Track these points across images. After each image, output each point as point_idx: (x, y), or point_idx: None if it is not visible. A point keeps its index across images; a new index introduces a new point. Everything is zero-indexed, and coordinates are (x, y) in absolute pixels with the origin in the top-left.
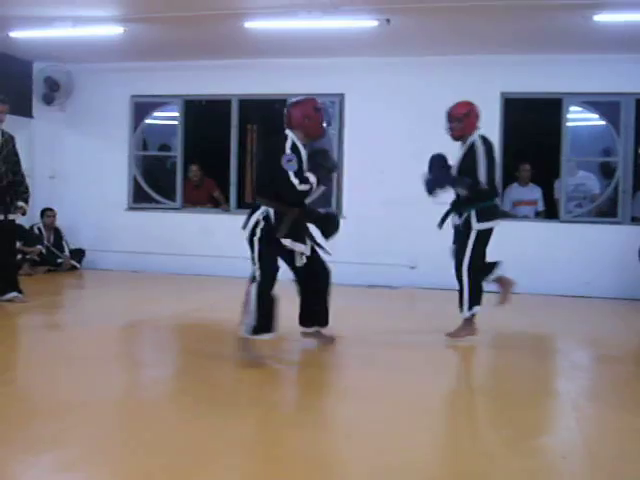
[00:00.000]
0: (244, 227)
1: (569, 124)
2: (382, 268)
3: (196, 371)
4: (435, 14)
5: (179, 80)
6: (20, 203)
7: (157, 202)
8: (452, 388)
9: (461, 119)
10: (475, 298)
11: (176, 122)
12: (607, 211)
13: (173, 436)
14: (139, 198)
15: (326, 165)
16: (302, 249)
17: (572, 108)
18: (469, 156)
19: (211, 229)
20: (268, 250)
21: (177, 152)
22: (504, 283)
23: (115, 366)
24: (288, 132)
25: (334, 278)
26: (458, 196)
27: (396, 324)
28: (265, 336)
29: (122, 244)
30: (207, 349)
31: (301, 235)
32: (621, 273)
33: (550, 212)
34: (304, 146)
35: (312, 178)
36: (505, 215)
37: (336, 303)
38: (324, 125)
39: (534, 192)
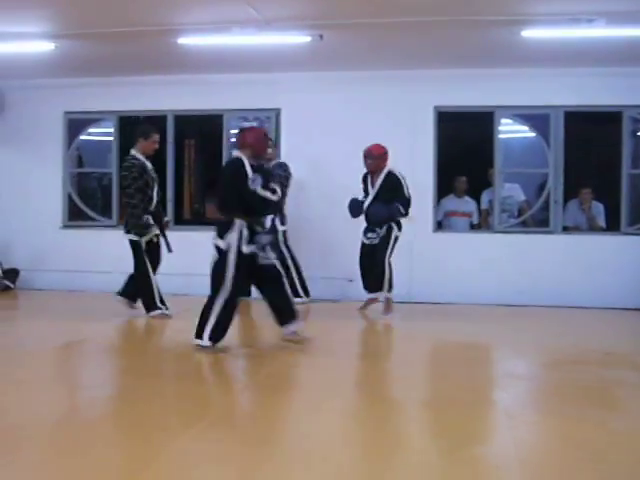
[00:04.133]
0: (221, 237)
1: (501, 136)
2: (321, 282)
3: (135, 391)
4: (367, 30)
5: (113, 96)
6: (167, 219)
7: (93, 219)
8: (388, 398)
9: (378, 157)
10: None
11: (111, 138)
12: (540, 221)
13: (112, 459)
14: (74, 216)
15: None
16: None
17: (504, 121)
18: (390, 182)
19: None
20: (240, 264)
21: (112, 168)
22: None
23: (52, 388)
24: (237, 153)
25: None
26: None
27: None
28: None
29: (58, 263)
30: (147, 368)
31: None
32: (554, 282)
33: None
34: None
35: (277, 188)
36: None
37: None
38: (268, 148)
39: (469, 205)
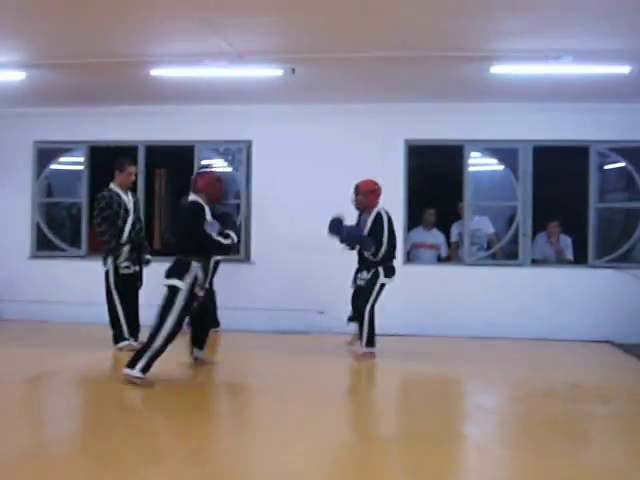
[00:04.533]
0: (176, 276)
1: (471, 169)
2: (291, 314)
3: (104, 425)
4: (339, 64)
5: (84, 126)
6: (147, 257)
7: (61, 250)
8: (357, 433)
9: (367, 194)
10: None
11: (81, 168)
12: (508, 253)
13: None
14: (43, 246)
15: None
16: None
17: (473, 154)
18: (376, 224)
19: None
20: (191, 302)
21: (82, 198)
22: None
23: (19, 422)
24: (194, 196)
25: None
26: (362, 256)
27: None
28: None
29: (26, 293)
30: (115, 401)
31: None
32: (522, 313)
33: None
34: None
35: (232, 234)
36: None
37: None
38: (224, 192)
39: (437, 237)
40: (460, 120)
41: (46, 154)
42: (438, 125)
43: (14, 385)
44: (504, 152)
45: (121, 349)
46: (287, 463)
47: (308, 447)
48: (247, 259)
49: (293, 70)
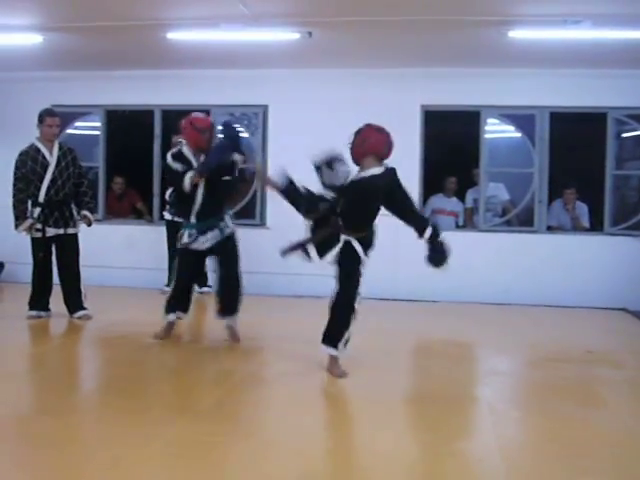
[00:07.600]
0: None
1: (487, 136)
2: (308, 278)
3: (123, 380)
4: (356, 28)
5: (100, 90)
6: (85, 212)
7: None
8: (372, 394)
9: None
10: None
11: (98, 132)
12: (524, 220)
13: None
14: None
15: None
16: None
17: (490, 120)
18: None
19: (133, 241)
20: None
21: (99, 163)
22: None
23: (30, 382)
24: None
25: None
26: None
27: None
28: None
29: None
30: (127, 360)
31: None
32: (537, 280)
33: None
34: None
35: None
36: None
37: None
38: None
39: (456, 205)
40: (477, 85)
41: (63, 118)
42: (455, 91)
43: (29, 345)
44: (521, 118)
45: (28, 318)
46: (296, 420)
47: (320, 407)
48: (263, 224)
49: (310, 34)
